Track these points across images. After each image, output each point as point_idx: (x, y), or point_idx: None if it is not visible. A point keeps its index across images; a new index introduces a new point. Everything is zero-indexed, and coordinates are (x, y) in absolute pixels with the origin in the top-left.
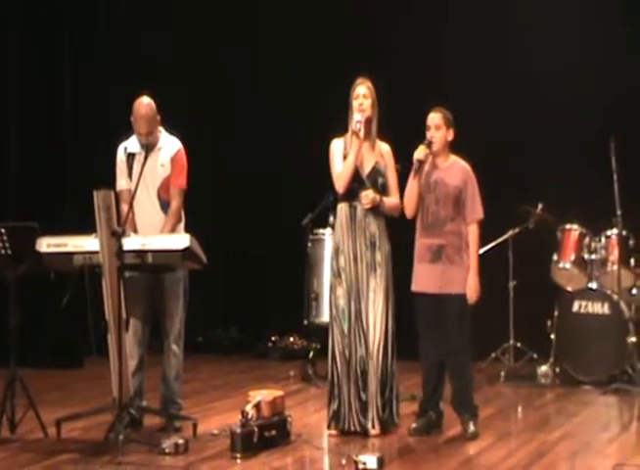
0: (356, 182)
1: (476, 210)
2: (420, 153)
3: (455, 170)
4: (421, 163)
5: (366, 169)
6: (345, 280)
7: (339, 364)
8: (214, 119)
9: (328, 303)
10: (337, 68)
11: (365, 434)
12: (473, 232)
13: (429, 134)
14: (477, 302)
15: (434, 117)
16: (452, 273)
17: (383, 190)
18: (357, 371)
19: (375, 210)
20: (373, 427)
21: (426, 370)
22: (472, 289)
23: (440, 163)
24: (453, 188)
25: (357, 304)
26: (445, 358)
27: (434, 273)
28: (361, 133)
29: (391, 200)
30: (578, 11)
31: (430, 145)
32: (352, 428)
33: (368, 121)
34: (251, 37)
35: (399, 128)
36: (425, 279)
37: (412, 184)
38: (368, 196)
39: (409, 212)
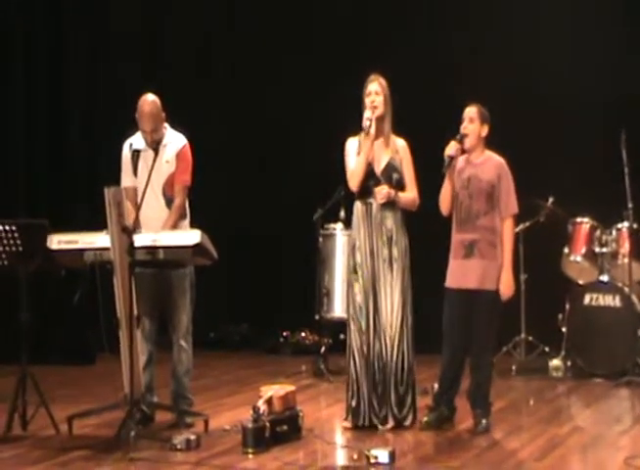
0: (371, 179)
1: (510, 204)
2: (450, 149)
3: (489, 165)
4: (452, 158)
5: (380, 166)
6: (362, 276)
7: (357, 361)
8: (223, 114)
9: (340, 298)
10: (348, 61)
11: (373, 427)
12: (507, 227)
13: (462, 126)
14: (511, 298)
15: (470, 111)
16: (485, 269)
17: (398, 185)
18: (375, 367)
19: (391, 205)
20: (388, 421)
21: (446, 365)
22: (505, 285)
23: (474, 158)
24: (486, 183)
25: (374, 299)
26: (469, 352)
27: (467, 269)
28: (372, 130)
29: (408, 194)
30: (586, 2)
31: (462, 139)
32: (369, 423)
33: (380, 118)
34: (258, 29)
35: (400, 125)
36: (457, 275)
37: (446, 181)
38: (382, 191)
39: (444, 210)
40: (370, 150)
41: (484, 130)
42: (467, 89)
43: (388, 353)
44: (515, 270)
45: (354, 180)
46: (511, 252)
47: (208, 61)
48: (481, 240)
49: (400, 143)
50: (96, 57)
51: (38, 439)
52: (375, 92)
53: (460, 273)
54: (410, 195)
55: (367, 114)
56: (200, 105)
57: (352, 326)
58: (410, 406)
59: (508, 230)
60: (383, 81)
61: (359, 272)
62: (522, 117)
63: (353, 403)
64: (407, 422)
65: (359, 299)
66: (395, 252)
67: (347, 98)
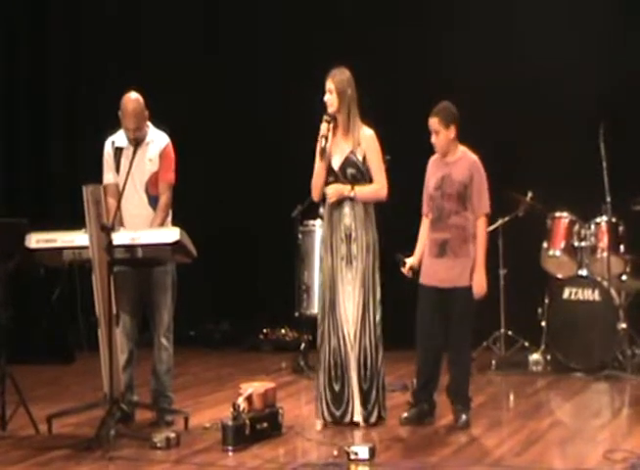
0: (330, 175)
1: (482, 204)
2: (323, 129)
3: (462, 164)
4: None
5: (338, 162)
6: (323, 271)
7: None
8: (206, 111)
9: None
10: (329, 57)
11: (351, 424)
12: (480, 226)
13: (432, 139)
14: (484, 297)
15: (432, 122)
16: (457, 267)
17: (354, 180)
18: (330, 362)
19: (349, 201)
20: (347, 418)
21: (421, 360)
22: (478, 285)
23: (449, 158)
24: (458, 184)
25: (332, 295)
26: (446, 349)
27: (440, 267)
28: (327, 144)
29: (368, 187)
30: (569, 3)
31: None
32: (328, 418)
33: (336, 113)
34: (248, 26)
35: (398, 120)
36: (431, 273)
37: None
38: (328, 192)
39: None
40: (323, 170)
41: (452, 132)
42: (449, 85)
43: (347, 350)
44: (494, 265)
45: (314, 193)
46: (484, 251)
47: (190, 60)
48: (453, 238)
49: (367, 133)
50: (78, 54)
51: (17, 438)
52: (328, 90)
53: (433, 271)
54: (373, 186)
55: (322, 128)
56: (181, 101)
57: (319, 318)
58: (375, 403)
59: (481, 229)
60: (337, 75)
61: (322, 267)
62: (501, 112)
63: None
64: (372, 419)
65: (320, 293)
66: (354, 249)
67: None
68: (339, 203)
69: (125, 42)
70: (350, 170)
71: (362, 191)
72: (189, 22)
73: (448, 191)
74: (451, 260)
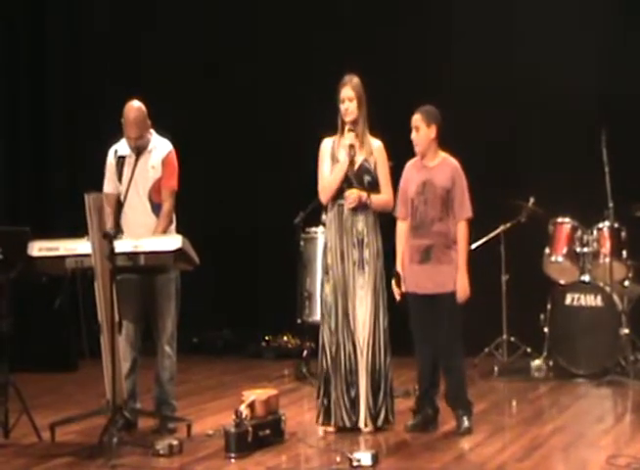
0: (344, 181)
1: (464, 208)
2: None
3: (443, 169)
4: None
5: (353, 168)
6: (333, 277)
7: (328, 360)
8: (207, 117)
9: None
10: (335, 65)
11: (355, 430)
12: (461, 231)
13: (412, 136)
14: (466, 301)
15: (414, 119)
16: (441, 273)
17: (370, 188)
18: (345, 368)
19: (363, 207)
20: (365, 425)
21: (421, 367)
22: (461, 289)
23: (428, 161)
24: (441, 189)
25: (344, 301)
26: (439, 355)
27: (424, 274)
28: (355, 151)
29: (381, 196)
30: (569, 4)
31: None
32: (342, 424)
33: (355, 122)
34: (248, 27)
35: (394, 124)
36: (415, 280)
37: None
38: (350, 196)
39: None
40: (342, 178)
41: (432, 132)
42: (449, 85)
43: (362, 355)
44: (496, 271)
45: (325, 196)
46: (465, 255)
47: (190, 63)
48: (436, 245)
49: (376, 144)
50: (78, 56)
51: (20, 446)
52: (348, 98)
53: (417, 278)
54: (384, 197)
55: (347, 137)
56: (181, 103)
57: (324, 326)
58: (382, 406)
59: (462, 233)
60: (355, 83)
61: (330, 273)
62: (503, 118)
63: (325, 403)
64: (380, 422)
65: (330, 299)
66: (367, 254)
67: (329, 99)
68: (353, 208)
69: (125, 44)
70: (367, 178)
71: (377, 199)
72: (189, 23)
73: (431, 197)
74: (435, 267)
